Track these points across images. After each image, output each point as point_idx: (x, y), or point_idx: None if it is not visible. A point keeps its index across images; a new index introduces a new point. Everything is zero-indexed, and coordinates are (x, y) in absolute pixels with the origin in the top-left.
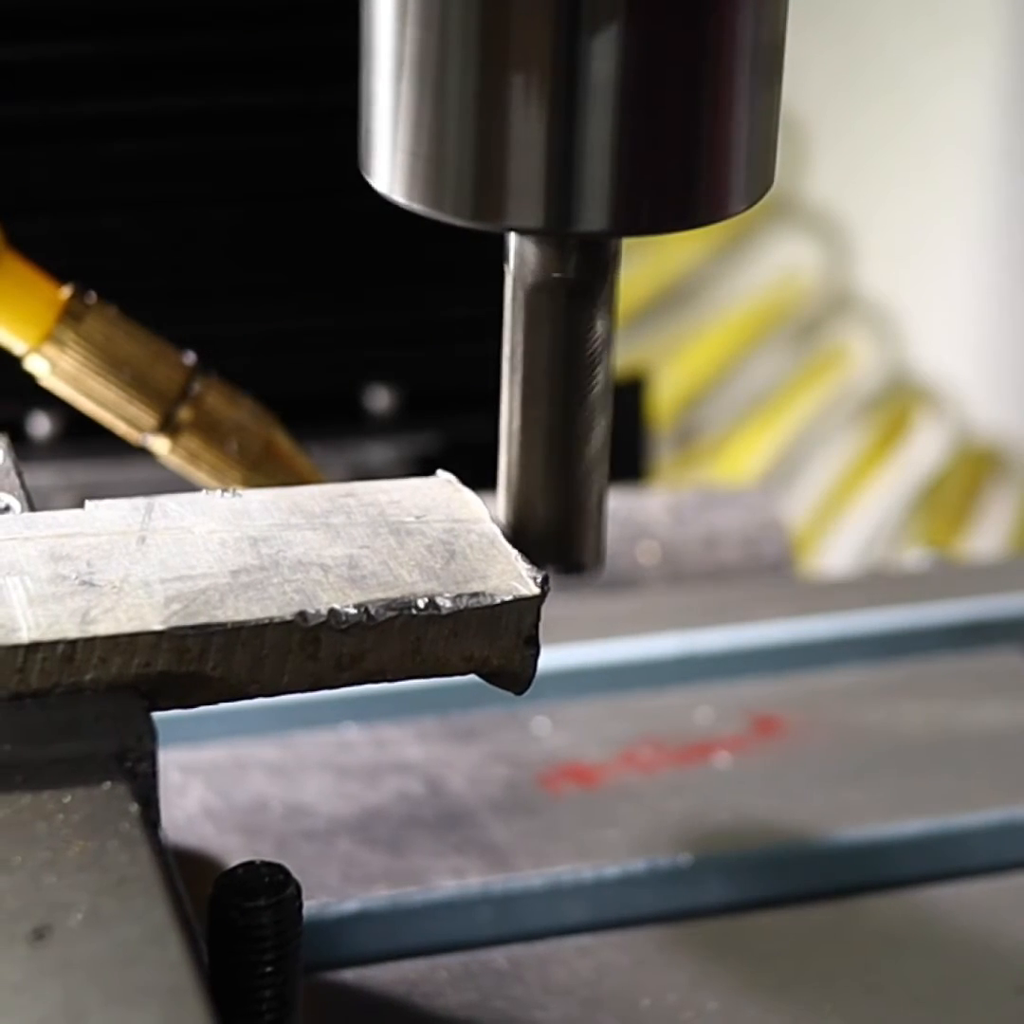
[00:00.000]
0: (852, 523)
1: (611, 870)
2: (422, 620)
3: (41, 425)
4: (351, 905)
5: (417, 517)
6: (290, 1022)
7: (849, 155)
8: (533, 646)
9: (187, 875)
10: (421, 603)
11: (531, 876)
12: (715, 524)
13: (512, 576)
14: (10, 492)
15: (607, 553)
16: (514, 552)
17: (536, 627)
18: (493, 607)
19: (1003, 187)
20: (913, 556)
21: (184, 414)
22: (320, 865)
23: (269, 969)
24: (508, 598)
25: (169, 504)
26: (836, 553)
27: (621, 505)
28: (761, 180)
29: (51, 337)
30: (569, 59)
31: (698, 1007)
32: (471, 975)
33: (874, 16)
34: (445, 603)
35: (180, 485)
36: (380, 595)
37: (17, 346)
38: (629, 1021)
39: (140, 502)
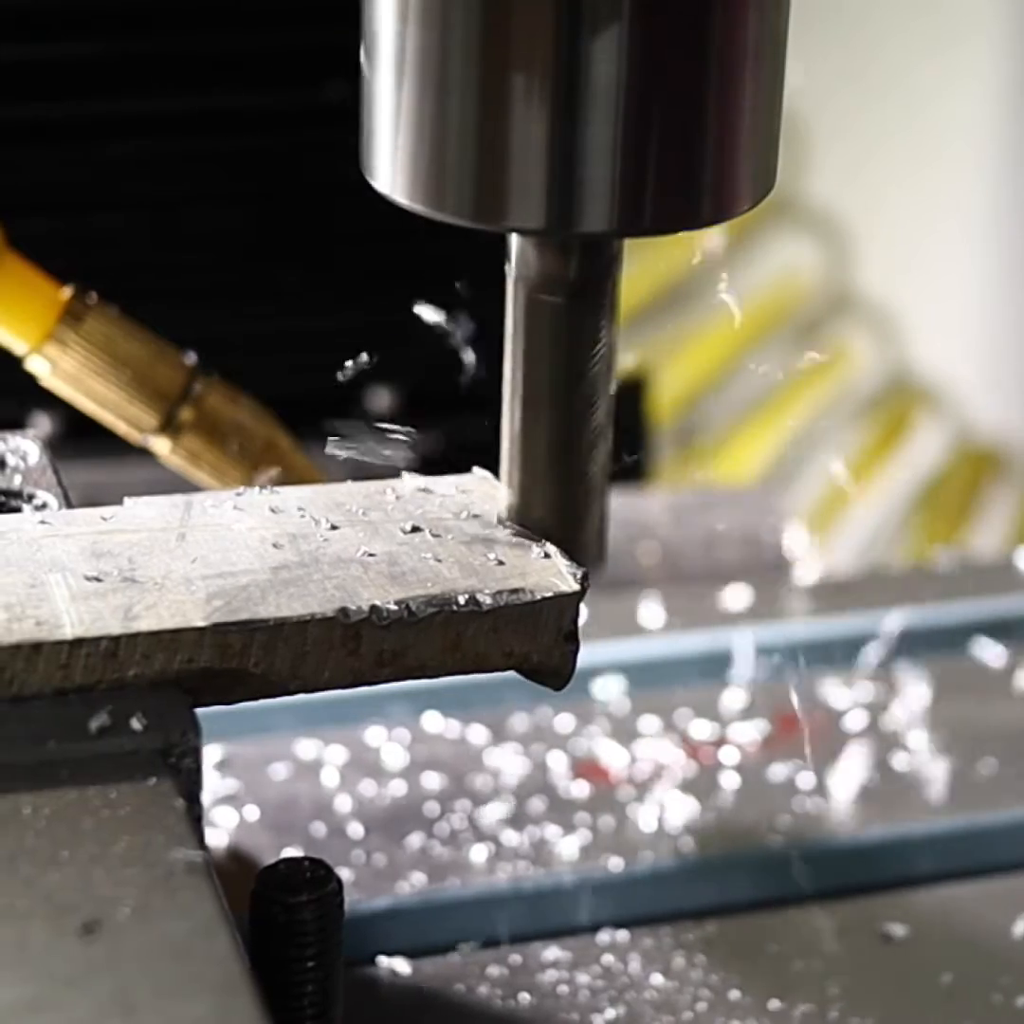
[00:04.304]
0: (852, 523)
1: (640, 867)
2: (463, 616)
3: (41, 425)
4: (384, 901)
5: (455, 514)
6: (332, 1015)
7: (849, 155)
8: (573, 642)
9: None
10: (462, 599)
11: (561, 873)
12: (715, 524)
13: (552, 572)
14: (47, 489)
15: (608, 553)
16: (554, 548)
17: (576, 623)
18: (533, 603)
19: (1003, 187)
20: (935, 554)
21: (185, 414)
22: (352, 861)
23: (311, 964)
24: (548, 594)
25: (207, 501)
26: (836, 553)
27: (621, 505)
28: (763, 181)
29: (52, 337)
30: (570, 60)
31: (726, 1001)
32: (503, 969)
33: (875, 17)
34: (485, 599)
35: (181, 486)
36: (420, 591)
37: (18, 346)
38: (657, 1015)
39: (179, 499)
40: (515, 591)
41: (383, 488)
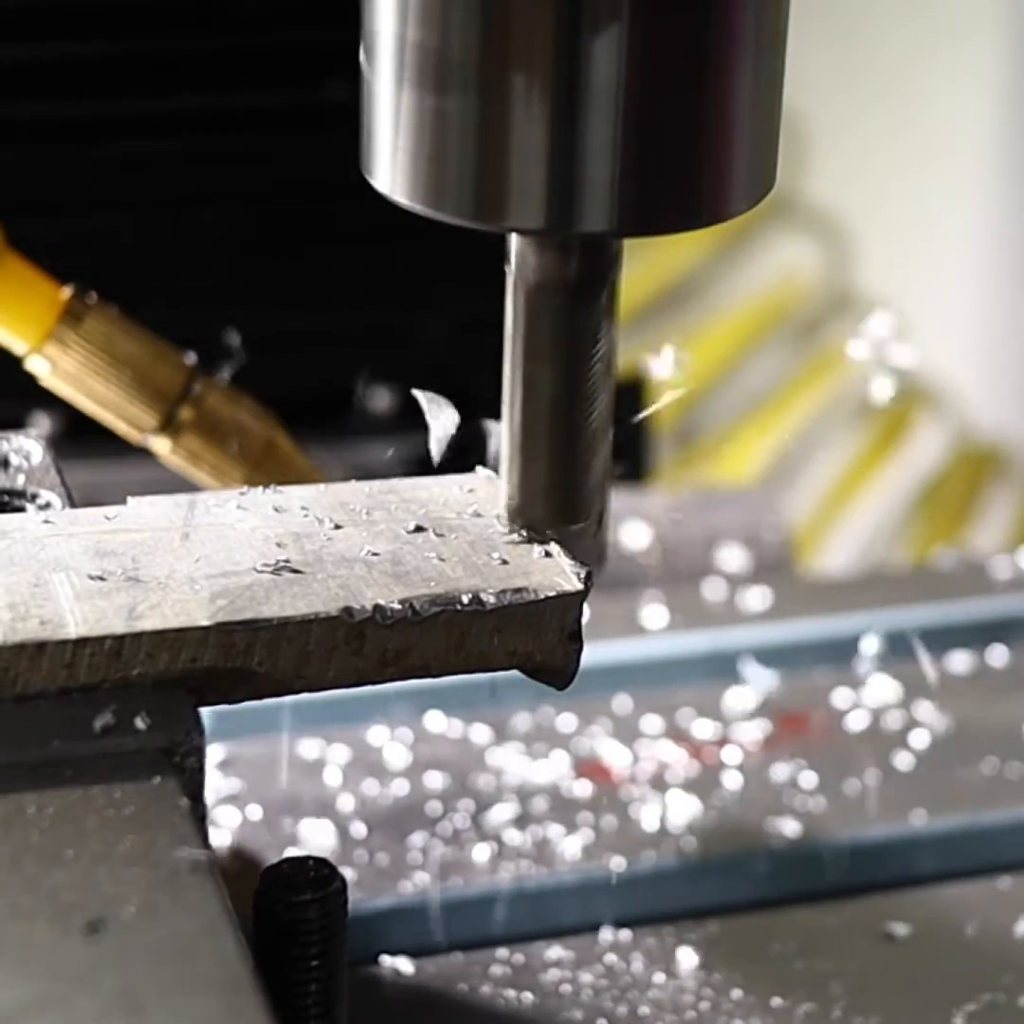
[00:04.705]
0: (852, 523)
1: (643, 866)
2: (466, 615)
3: (41, 425)
4: (386, 900)
5: (458, 513)
6: (335, 1015)
7: (849, 155)
8: (576, 641)
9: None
10: (465, 598)
11: (564, 872)
12: (715, 524)
13: (555, 572)
14: (51, 489)
15: (607, 553)
16: (557, 547)
17: (579, 622)
18: (537, 602)
19: (1003, 187)
20: (937, 554)
21: (185, 414)
22: (354, 860)
23: (315, 963)
24: (552, 594)
25: (211, 501)
26: (836, 553)
27: (621, 505)
28: (762, 181)
29: (52, 337)
30: (570, 60)
31: (729, 1000)
32: (506, 969)
33: (875, 16)
34: (489, 599)
35: (181, 485)
36: (424, 591)
37: (18, 346)
38: (660, 1014)
39: (182, 498)
40: (519, 590)
41: (386, 488)
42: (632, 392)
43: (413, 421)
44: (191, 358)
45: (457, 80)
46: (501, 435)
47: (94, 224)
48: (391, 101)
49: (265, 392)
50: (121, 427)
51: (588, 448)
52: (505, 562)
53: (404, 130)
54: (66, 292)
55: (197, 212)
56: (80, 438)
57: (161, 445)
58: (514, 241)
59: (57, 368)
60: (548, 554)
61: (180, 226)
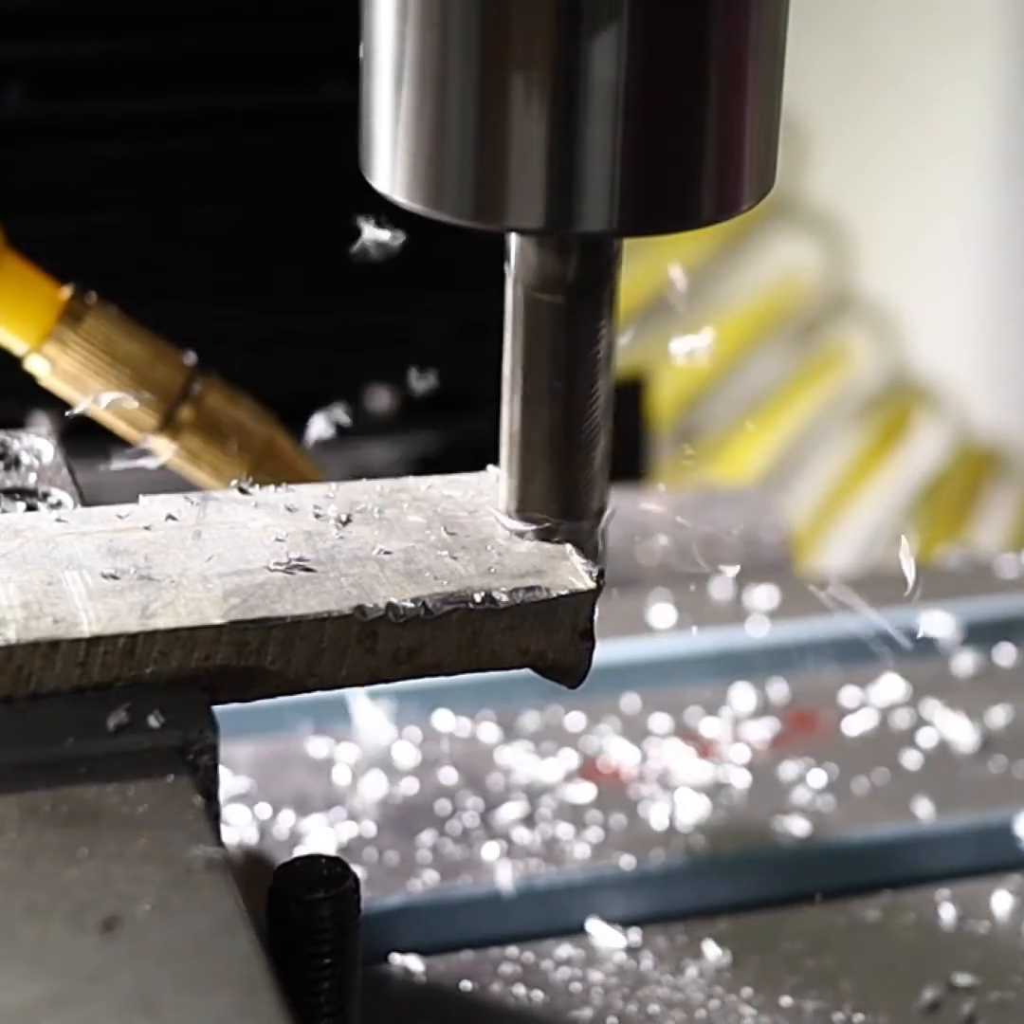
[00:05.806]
0: (852, 523)
1: (652, 865)
2: (479, 614)
3: (41, 425)
4: (396, 899)
5: (470, 512)
6: (348, 1013)
7: (849, 155)
8: (589, 639)
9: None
10: (478, 597)
11: (573, 871)
12: (715, 524)
13: (567, 570)
14: (62, 488)
15: (608, 552)
16: (569, 546)
17: (592, 621)
18: (549, 601)
19: (1003, 187)
20: (943, 553)
21: (185, 414)
22: (364, 859)
23: (328, 961)
24: (564, 592)
25: (223, 499)
26: (836, 553)
27: (621, 505)
28: (762, 181)
29: (51, 337)
30: (570, 59)
31: (742, 998)
32: (515, 967)
33: (875, 16)
34: (502, 597)
35: (181, 486)
36: (437, 589)
37: (18, 346)
38: (669, 1013)
39: (194, 496)
40: (531, 589)
41: (398, 486)
42: (632, 392)
43: (413, 421)
44: (191, 358)
45: (456, 79)
46: (501, 435)
47: (94, 224)
48: (390, 100)
49: (265, 392)
50: (121, 427)
51: (588, 448)
52: (517, 560)
53: (403, 129)
54: (66, 292)
55: (197, 212)
56: (80, 438)
57: (161, 445)
58: (514, 241)
59: (57, 368)
60: (561, 553)
61: (180, 226)
